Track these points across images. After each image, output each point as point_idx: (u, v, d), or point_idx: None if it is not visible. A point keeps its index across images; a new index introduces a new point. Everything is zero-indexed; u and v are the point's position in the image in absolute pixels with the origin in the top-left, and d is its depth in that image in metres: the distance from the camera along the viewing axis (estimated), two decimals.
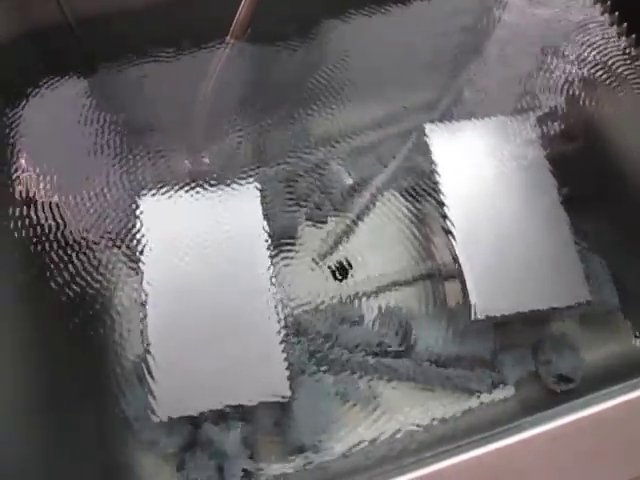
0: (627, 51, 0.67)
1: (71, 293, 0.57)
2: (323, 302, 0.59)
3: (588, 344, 0.60)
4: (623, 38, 0.68)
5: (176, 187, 0.60)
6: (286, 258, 0.61)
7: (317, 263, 0.62)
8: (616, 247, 0.63)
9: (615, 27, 0.69)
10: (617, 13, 0.69)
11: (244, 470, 0.53)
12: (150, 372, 0.52)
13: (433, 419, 0.56)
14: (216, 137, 0.65)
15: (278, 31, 0.69)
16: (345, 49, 0.71)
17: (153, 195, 0.60)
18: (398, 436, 0.55)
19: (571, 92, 0.67)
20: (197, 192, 0.60)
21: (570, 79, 0.67)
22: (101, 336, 0.57)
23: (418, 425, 0.55)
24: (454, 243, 0.58)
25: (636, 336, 0.61)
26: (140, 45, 0.67)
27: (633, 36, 0.67)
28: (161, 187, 0.60)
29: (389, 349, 0.58)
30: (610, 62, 0.67)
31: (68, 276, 0.57)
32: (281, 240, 0.61)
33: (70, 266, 0.57)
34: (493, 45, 0.71)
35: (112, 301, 0.58)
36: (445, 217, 0.60)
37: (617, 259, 0.62)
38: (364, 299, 0.61)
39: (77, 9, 0.65)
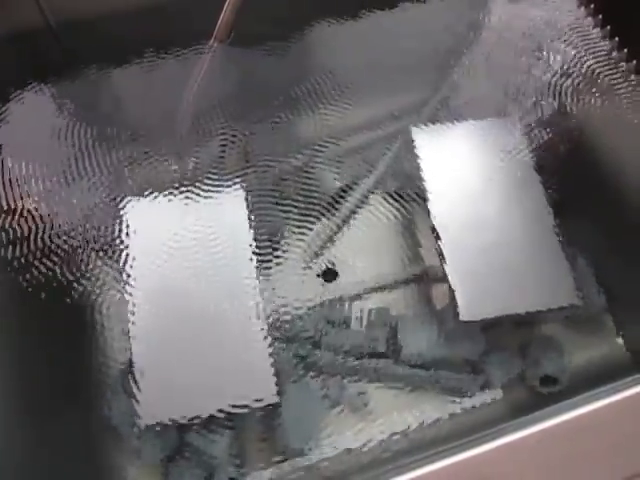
0: (612, 54, 0.68)
1: (56, 299, 0.56)
2: (310, 305, 0.59)
3: (575, 346, 0.60)
4: (607, 41, 0.69)
5: (161, 191, 0.60)
6: (273, 261, 0.60)
7: (304, 266, 0.62)
8: (602, 249, 0.63)
9: (599, 30, 0.69)
10: (601, 16, 0.69)
11: (232, 476, 0.52)
12: (135, 378, 0.51)
13: (420, 422, 0.56)
14: (201, 140, 0.64)
15: (262, 34, 0.68)
16: (331, 52, 0.72)
17: (137, 199, 0.59)
18: (386, 439, 0.55)
19: (557, 96, 0.67)
20: (182, 196, 0.60)
21: (556, 83, 0.67)
22: (85, 342, 0.56)
23: (406, 428, 0.55)
24: (441, 246, 0.58)
25: (620, 335, 0.61)
26: (123, 48, 0.67)
27: (617, 39, 0.68)
28: (145, 191, 0.60)
29: (376, 352, 0.58)
30: (595, 66, 0.68)
31: (52, 282, 0.56)
32: (268, 243, 0.60)
33: (54, 272, 0.57)
34: (479, 49, 0.71)
35: (97, 306, 0.57)
36: (432, 220, 0.59)
37: (603, 261, 0.62)
38: (351, 302, 0.61)
39: (58, 12, 0.64)
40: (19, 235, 0.57)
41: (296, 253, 0.62)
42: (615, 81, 0.66)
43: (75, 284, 0.57)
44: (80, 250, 0.58)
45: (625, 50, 0.67)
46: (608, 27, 0.69)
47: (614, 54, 0.68)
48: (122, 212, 0.58)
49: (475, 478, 0.42)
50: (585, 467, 0.43)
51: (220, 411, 0.51)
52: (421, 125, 0.65)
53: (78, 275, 0.57)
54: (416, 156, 0.63)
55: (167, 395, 0.52)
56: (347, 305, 0.60)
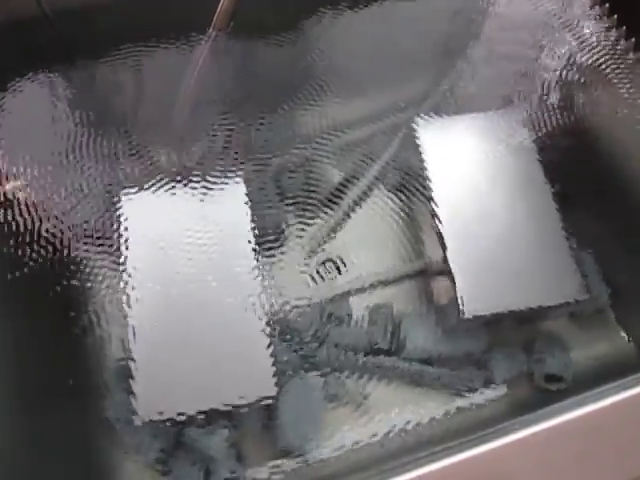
0: (619, 44, 0.67)
1: (52, 293, 0.55)
2: (311, 300, 0.59)
3: (580, 343, 0.59)
4: (614, 30, 0.67)
5: (159, 184, 0.59)
6: (273, 256, 0.60)
7: (305, 261, 0.61)
8: (608, 244, 0.62)
9: (606, 19, 0.68)
10: (607, 5, 0.68)
11: (231, 474, 0.52)
12: (133, 373, 0.51)
13: (423, 420, 0.55)
14: (200, 132, 0.63)
15: (263, 23, 0.67)
16: (333, 42, 0.70)
17: (136, 192, 0.58)
18: (387, 438, 0.54)
19: (563, 87, 0.66)
20: (181, 189, 0.59)
21: (562, 73, 0.66)
22: (82, 337, 0.56)
23: (408, 426, 0.55)
24: (444, 240, 0.58)
25: (626, 331, 0.61)
26: (120, 37, 0.66)
27: (624, 28, 0.67)
28: (144, 184, 0.59)
29: (378, 348, 0.57)
30: (602, 56, 0.66)
31: (49, 276, 0.56)
32: (268, 238, 0.60)
33: (50, 265, 0.56)
34: (484, 39, 0.70)
35: (94, 301, 0.56)
36: (435, 214, 0.59)
37: (609, 256, 0.61)
38: (353, 297, 0.60)
39: (55, 0, 0.63)
40: (15, 226, 0.56)
41: (297, 248, 0.61)
42: (622, 71, 0.65)
43: (71, 277, 0.56)
44: (77, 242, 0.57)
45: (633, 40, 0.66)
46: (615, 16, 0.67)
47: (621, 44, 0.67)
48: (120, 204, 0.57)
49: (484, 475, 0.42)
50: (594, 466, 0.42)
51: (218, 407, 0.50)
52: (424, 117, 0.64)
53: (74, 268, 0.56)
54: (419, 149, 0.62)
55: (165, 391, 0.51)
56: (349, 300, 0.60)
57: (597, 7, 0.69)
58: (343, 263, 0.62)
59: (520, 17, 0.71)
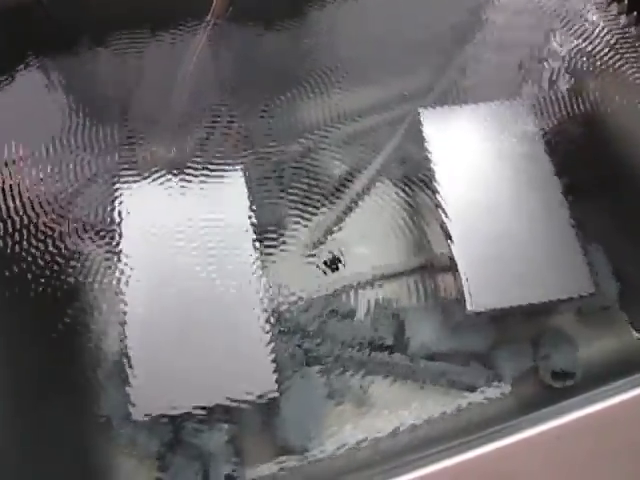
0: (629, 31, 0.66)
1: (47, 287, 0.54)
2: (312, 295, 0.58)
3: (588, 339, 0.59)
4: (624, 17, 0.66)
5: (157, 174, 0.58)
6: (273, 249, 0.59)
7: (306, 255, 0.60)
8: (617, 237, 0.62)
9: (616, 5, 0.67)
10: None
11: (229, 472, 0.51)
12: (130, 369, 0.50)
13: (427, 417, 0.55)
14: (199, 122, 0.62)
15: (263, 9, 0.66)
16: (335, 30, 0.70)
17: (134, 183, 0.58)
18: (391, 436, 0.54)
19: (572, 77, 0.65)
20: (180, 180, 0.58)
21: (570, 62, 0.66)
22: (79, 332, 0.55)
23: (413, 424, 0.54)
24: (449, 234, 0.57)
25: (635, 327, 0.60)
26: (116, 24, 0.65)
27: (634, 14, 0.66)
28: (142, 174, 0.58)
29: (382, 344, 0.57)
30: (611, 43, 0.66)
31: (44, 269, 0.55)
32: (268, 231, 0.59)
33: (45, 258, 0.55)
34: (491, 27, 0.69)
35: (90, 295, 0.56)
36: (440, 207, 0.58)
37: (618, 250, 0.61)
38: (355, 292, 0.59)
39: None
40: (7, 215, 0.55)
41: (299, 241, 0.60)
42: (632, 59, 0.64)
43: (67, 271, 0.55)
44: (73, 233, 0.56)
45: None
46: (625, 2, 0.66)
47: (631, 31, 0.66)
48: (117, 195, 0.56)
49: (491, 475, 0.41)
50: (603, 464, 0.42)
51: (218, 405, 0.50)
52: (429, 107, 0.63)
53: (69, 260, 0.55)
54: (424, 140, 0.61)
55: (163, 387, 0.51)
56: (352, 295, 0.59)
57: None
58: (346, 257, 0.61)
59: (527, 4, 0.70)
